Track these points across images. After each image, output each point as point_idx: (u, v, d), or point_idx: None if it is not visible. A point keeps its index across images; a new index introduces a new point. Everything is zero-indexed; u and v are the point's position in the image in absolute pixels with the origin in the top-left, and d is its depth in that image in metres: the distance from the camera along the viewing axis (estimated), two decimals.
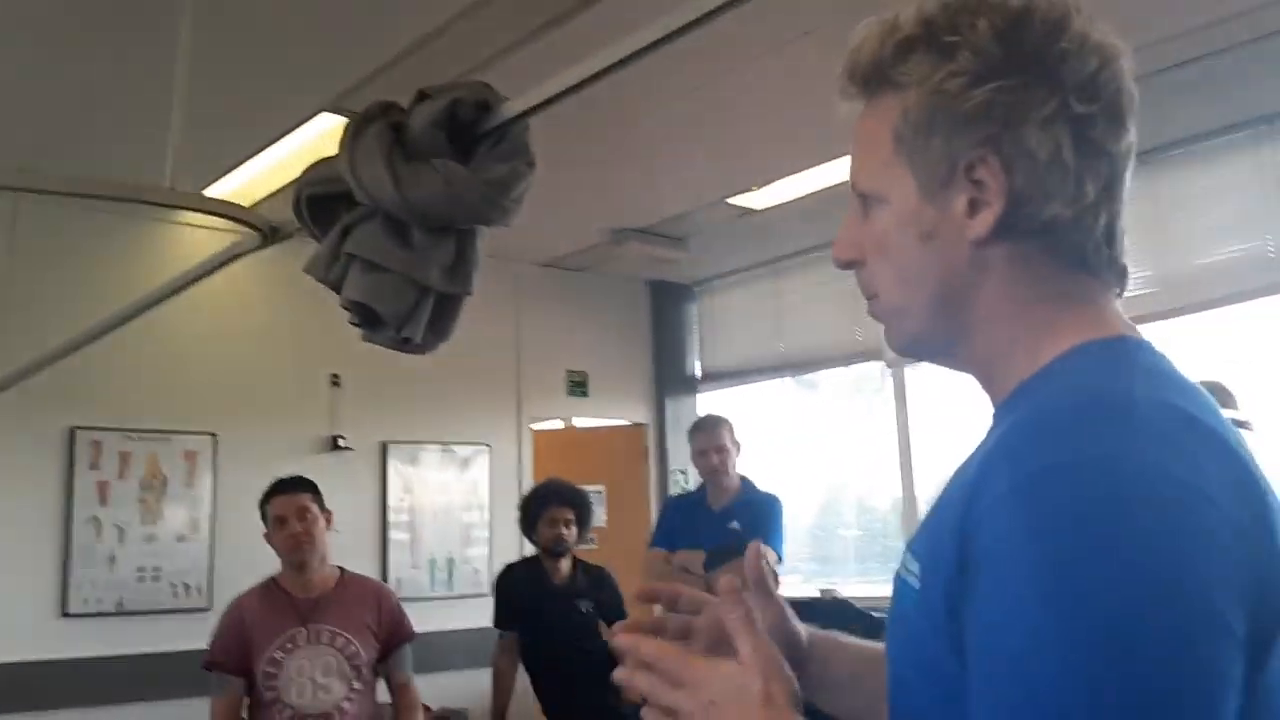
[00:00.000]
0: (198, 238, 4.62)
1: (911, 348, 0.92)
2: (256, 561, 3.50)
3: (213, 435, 4.72)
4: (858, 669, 1.05)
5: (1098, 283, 0.84)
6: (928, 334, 0.89)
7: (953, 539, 0.73)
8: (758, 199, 4.92)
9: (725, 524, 4.07)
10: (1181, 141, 4.16)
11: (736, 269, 6.14)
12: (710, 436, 4.10)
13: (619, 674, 0.87)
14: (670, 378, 6.36)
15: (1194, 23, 3.42)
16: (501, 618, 4.28)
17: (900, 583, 0.84)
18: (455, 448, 5.53)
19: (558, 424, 6.44)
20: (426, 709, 3.45)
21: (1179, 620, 0.63)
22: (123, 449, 4.50)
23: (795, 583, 5.56)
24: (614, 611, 4.36)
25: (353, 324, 1.78)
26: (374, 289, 1.69)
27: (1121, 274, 0.86)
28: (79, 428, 4.41)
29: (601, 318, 6.22)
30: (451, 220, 1.69)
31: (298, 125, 3.80)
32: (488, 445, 5.65)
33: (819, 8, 3.14)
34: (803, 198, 4.82)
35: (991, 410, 0.88)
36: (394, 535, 5.24)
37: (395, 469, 5.30)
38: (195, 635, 3.56)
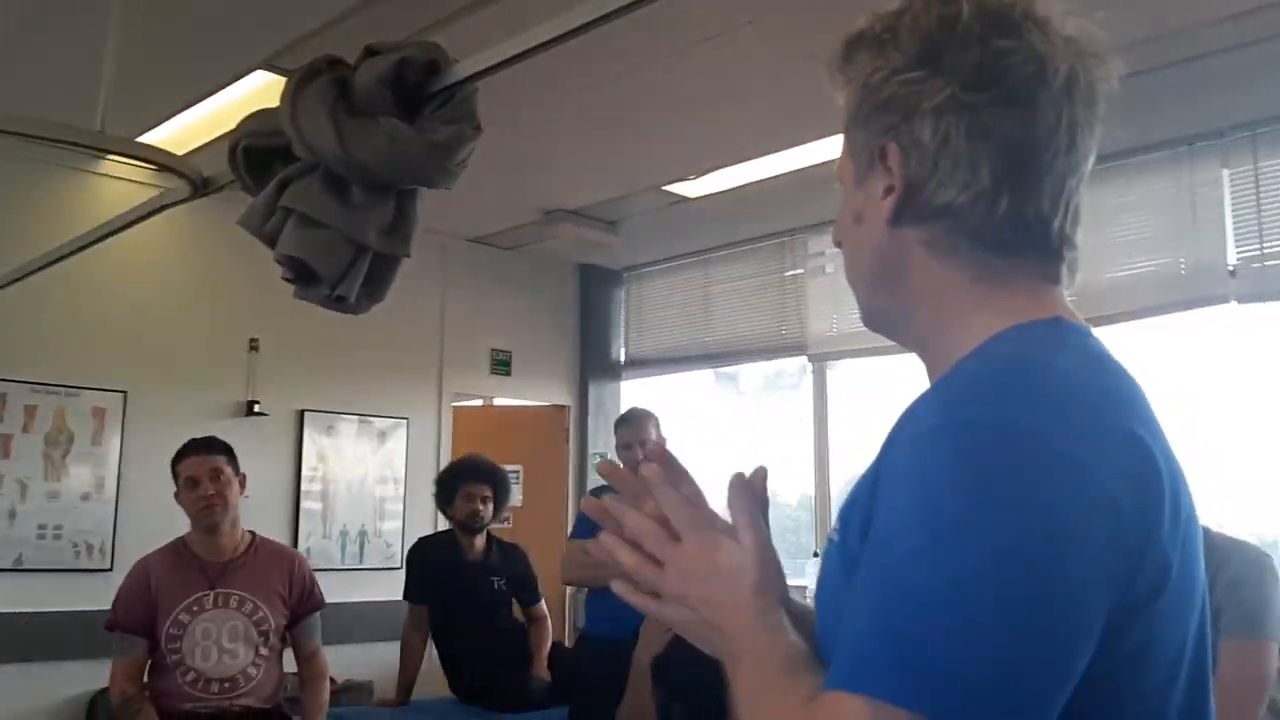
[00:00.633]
0: (121, 190, 4.48)
1: (867, 321, 0.96)
2: (162, 525, 3.43)
3: (123, 393, 4.60)
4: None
5: (1029, 264, 0.87)
6: (873, 310, 0.95)
7: (866, 487, 0.79)
8: (692, 188, 4.95)
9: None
10: (1103, 157, 4.29)
11: (666, 257, 6.17)
12: (635, 431, 4.12)
13: (597, 543, 0.90)
14: (594, 362, 6.37)
15: (1121, 41, 3.53)
16: (412, 590, 4.26)
17: (826, 545, 0.88)
18: (373, 420, 5.47)
19: (478, 402, 6.42)
20: (331, 680, 3.42)
21: (1021, 577, 0.68)
22: (29, 402, 4.35)
23: None
24: (527, 588, 4.37)
25: (285, 279, 1.76)
26: (310, 245, 1.68)
27: (1056, 256, 0.88)
28: None
29: (528, 298, 6.20)
30: (394, 179, 1.69)
31: (232, 80, 3.72)
32: (406, 419, 5.60)
33: None
34: (737, 188, 4.86)
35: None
36: (306, 505, 5.16)
37: (311, 438, 5.22)
38: (96, 596, 3.49)
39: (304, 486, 5.17)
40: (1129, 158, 4.19)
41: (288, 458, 5.14)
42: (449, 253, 5.73)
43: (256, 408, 4.97)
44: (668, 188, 4.95)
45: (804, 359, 5.53)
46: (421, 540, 4.58)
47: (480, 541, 4.29)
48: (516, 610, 4.36)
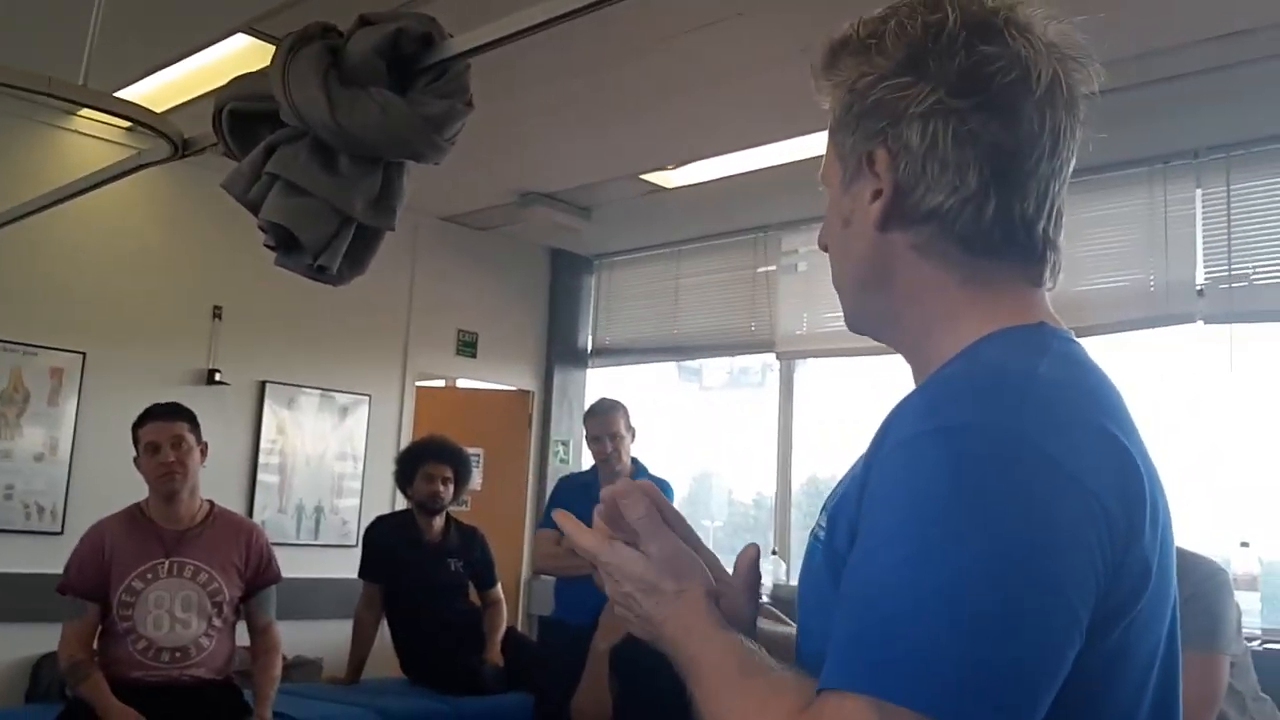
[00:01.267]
0: (93, 147, 4.40)
1: (853, 324, 0.97)
2: (116, 490, 3.38)
3: (83, 355, 4.52)
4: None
5: (1014, 267, 0.89)
6: (859, 313, 0.96)
7: (855, 488, 0.80)
8: (669, 178, 4.94)
9: None
10: (1077, 172, 4.34)
11: (638, 246, 6.16)
12: (605, 423, 4.11)
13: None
14: (561, 348, 6.35)
15: (1101, 58, 3.57)
16: (368, 568, 4.23)
17: (811, 541, 0.89)
18: (336, 395, 5.42)
19: (441, 382, 6.37)
20: (282, 656, 3.38)
21: (1015, 578, 0.70)
22: None
23: None
24: (484, 572, 4.35)
25: (268, 246, 1.74)
26: (295, 212, 1.65)
27: (1040, 258, 0.89)
28: None
29: (498, 280, 6.17)
30: (383, 151, 1.66)
31: (213, 42, 3.65)
32: (369, 395, 5.55)
33: None
34: (714, 181, 4.86)
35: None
36: (263, 477, 5.11)
37: (271, 410, 5.16)
38: (45, 559, 3.43)
39: (262, 459, 5.11)
40: (1105, 172, 4.24)
41: (247, 429, 5.08)
42: (421, 230, 5.68)
43: (218, 376, 4.91)
44: (645, 177, 4.94)
45: (770, 356, 5.55)
46: (379, 519, 4.54)
47: (439, 523, 4.27)
48: (473, 594, 4.34)
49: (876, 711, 0.68)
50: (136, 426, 3.20)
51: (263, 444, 5.11)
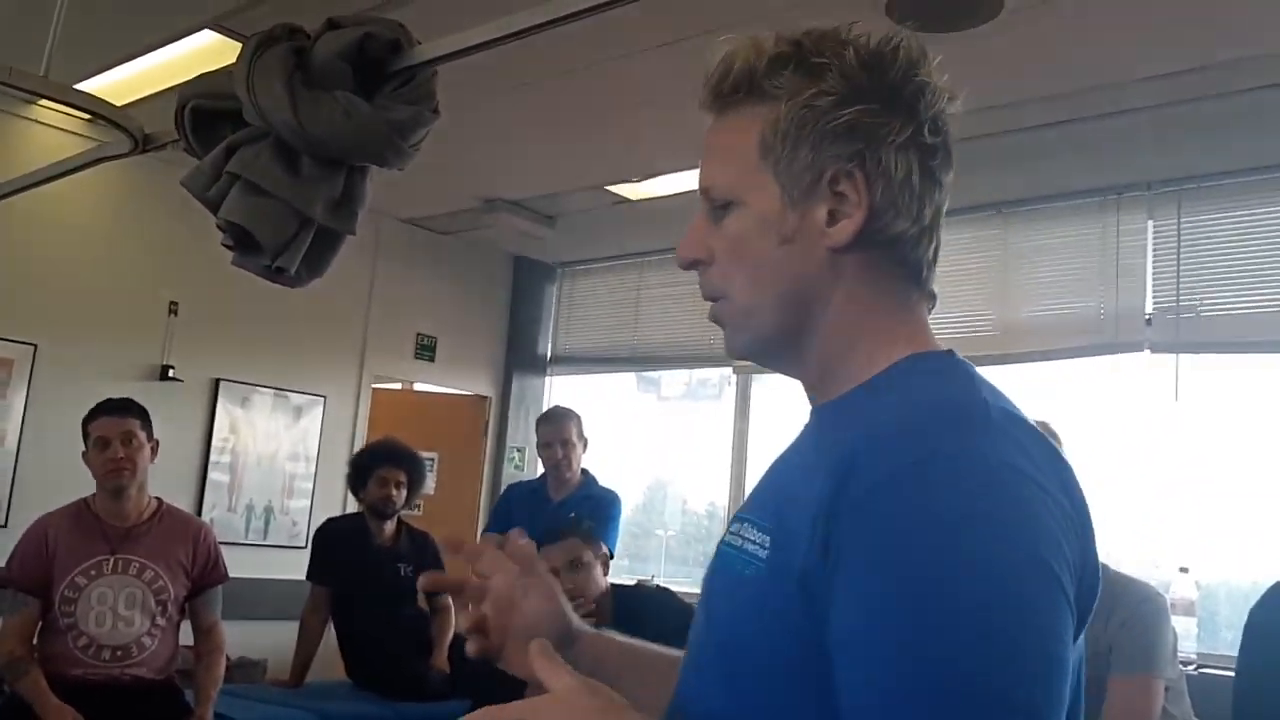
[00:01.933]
0: (54, 139, 4.34)
1: (752, 347, 0.97)
2: (64, 484, 3.33)
3: (33, 346, 4.45)
4: (629, 673, 1.08)
5: (923, 299, 0.95)
6: (773, 333, 0.94)
7: (817, 521, 0.78)
8: (635, 190, 4.97)
9: (564, 515, 4.10)
10: (1034, 199, 4.43)
11: (602, 256, 6.18)
12: (557, 430, 4.11)
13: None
14: (520, 355, 6.35)
15: (1054, 90, 3.65)
16: (316, 570, 4.20)
17: (732, 552, 0.88)
18: (290, 394, 5.38)
19: (398, 385, 6.35)
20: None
21: (1043, 585, 0.74)
22: None
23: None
24: None
25: (225, 245, 1.73)
26: (255, 213, 1.65)
27: (933, 296, 0.96)
28: None
29: (459, 284, 6.15)
30: (346, 155, 1.67)
31: (179, 37, 3.63)
32: (324, 396, 5.52)
33: (723, 7, 3.20)
34: (678, 194, 4.89)
35: (815, 406, 0.96)
36: (214, 476, 5.05)
37: (224, 408, 5.11)
38: None
39: (213, 457, 5.06)
40: (1060, 200, 4.32)
41: (199, 426, 5.03)
42: (383, 232, 5.66)
43: (171, 372, 4.86)
44: (611, 187, 4.96)
45: (728, 370, 5.58)
46: (330, 520, 4.51)
47: (390, 527, 4.25)
48: (421, 600, 4.32)
49: None
50: (87, 421, 3.16)
51: (215, 442, 5.06)
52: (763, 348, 0.96)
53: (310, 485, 5.40)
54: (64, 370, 4.48)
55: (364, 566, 4.14)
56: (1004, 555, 0.72)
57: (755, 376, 5.58)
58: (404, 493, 4.22)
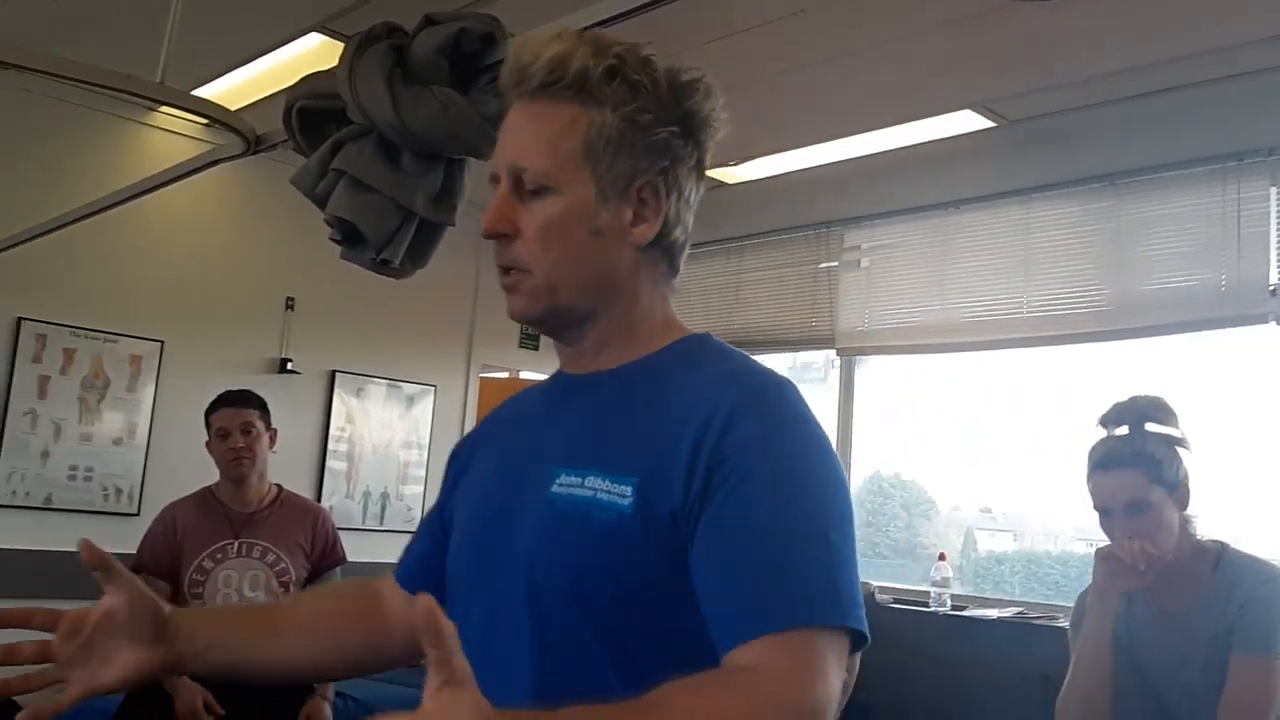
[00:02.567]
0: (170, 143, 4.55)
1: (546, 316, 1.09)
2: (190, 473, 3.50)
3: (160, 343, 4.68)
4: (245, 632, 1.22)
5: (674, 290, 1.15)
6: (572, 308, 1.08)
7: (696, 468, 0.95)
8: (731, 174, 4.96)
9: None
10: (1146, 169, 4.27)
11: (701, 241, 6.13)
12: None
13: None
14: None
15: (1167, 55, 3.52)
16: None
17: (583, 502, 0.99)
18: (402, 384, 5.53)
19: (505, 374, 6.46)
20: None
21: (847, 503, 0.99)
22: (68, 346, 4.43)
23: None
24: None
25: (333, 240, 1.80)
26: (359, 207, 1.71)
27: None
28: (26, 319, 4.34)
29: None
30: (444, 148, 1.72)
31: (288, 40, 3.76)
32: (434, 386, 5.66)
33: None
34: (776, 177, 4.87)
35: (610, 370, 1.10)
36: (332, 464, 5.24)
37: (340, 398, 5.29)
38: (122, 539, 3.55)
39: (331, 445, 5.24)
40: (1176, 170, 4.16)
41: (316, 416, 5.21)
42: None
43: (289, 365, 5.04)
44: (708, 172, 4.94)
45: (831, 353, 5.53)
46: None
47: None
48: None
49: (835, 638, 0.90)
50: (208, 413, 3.31)
51: (332, 431, 5.24)
52: (555, 318, 1.09)
53: (423, 472, 5.55)
54: (188, 365, 4.69)
55: None
56: (829, 477, 0.97)
57: (859, 359, 5.52)
58: None
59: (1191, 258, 4.19)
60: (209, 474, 3.33)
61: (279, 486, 3.38)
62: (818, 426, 1.01)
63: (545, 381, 1.21)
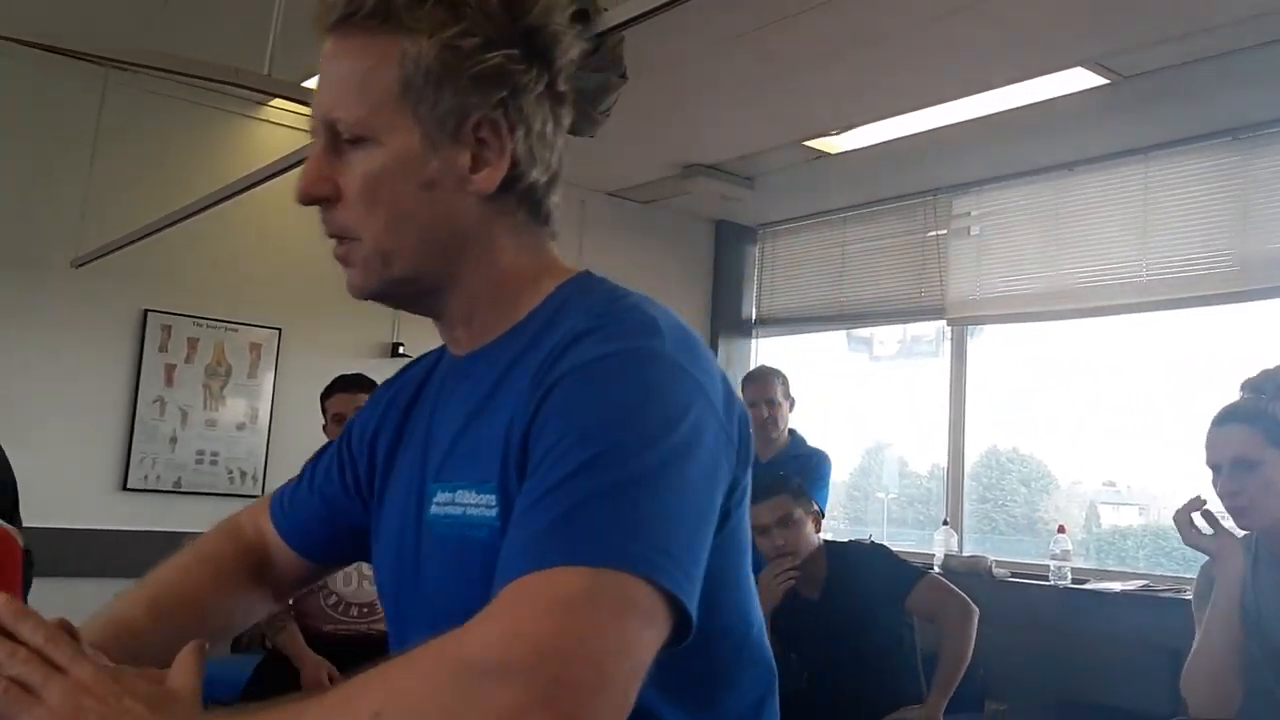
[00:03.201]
0: (278, 136, 4.69)
1: (387, 289, 0.94)
2: (309, 455, 3.59)
3: (278, 330, 4.84)
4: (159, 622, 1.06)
5: (552, 237, 0.99)
6: (415, 276, 0.92)
7: (517, 435, 0.83)
8: (833, 143, 4.88)
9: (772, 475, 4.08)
10: (1275, 121, 4.06)
11: (802, 214, 6.10)
12: (762, 389, 4.09)
13: None
14: (726, 319, 6.37)
15: None
16: None
17: (456, 523, 0.88)
18: None
19: None
20: None
21: (693, 465, 0.78)
22: (191, 335, 4.62)
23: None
24: None
25: None
26: None
27: (555, 234, 1.00)
28: (152, 310, 4.54)
29: (663, 252, 6.23)
30: None
31: None
32: None
33: None
34: (879, 145, 4.77)
35: (464, 356, 0.97)
36: None
37: None
38: None
39: None
40: None
41: None
42: (587, 205, 5.79)
43: (400, 349, 5.16)
44: (808, 143, 4.89)
45: (942, 323, 5.42)
46: None
47: None
48: None
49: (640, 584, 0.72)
50: (324, 398, 3.40)
51: None
52: (400, 290, 0.94)
53: None
54: (306, 351, 4.84)
55: None
56: (663, 433, 0.77)
57: (972, 329, 5.39)
58: None
59: None
60: None
61: None
62: (680, 353, 0.83)
63: (434, 357, 1.06)
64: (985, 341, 5.44)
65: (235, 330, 4.73)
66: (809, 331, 6.19)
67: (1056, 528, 4.57)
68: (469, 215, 0.91)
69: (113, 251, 3.65)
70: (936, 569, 4.53)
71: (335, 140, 0.90)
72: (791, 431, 4.15)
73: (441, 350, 1.06)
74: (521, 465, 0.81)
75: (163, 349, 4.54)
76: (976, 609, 3.02)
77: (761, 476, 3.81)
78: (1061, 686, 4.17)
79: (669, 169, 5.47)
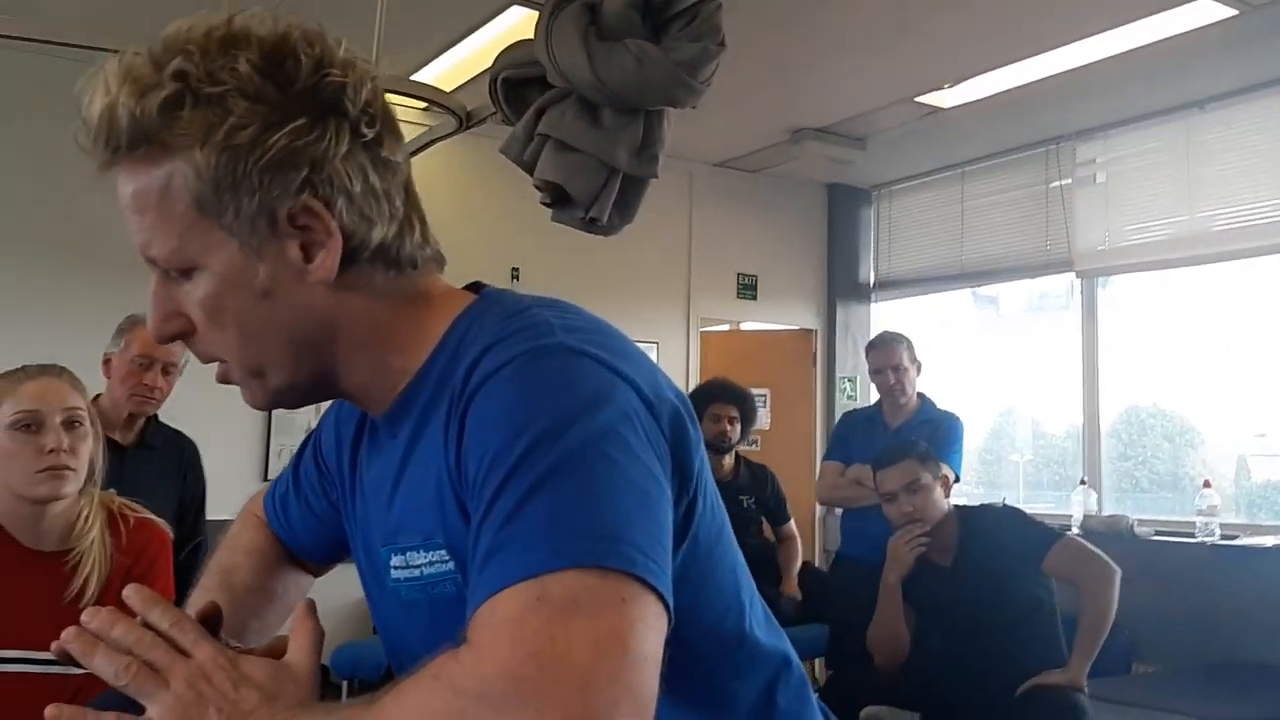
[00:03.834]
0: None
1: (279, 399, 0.91)
2: None
3: None
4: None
5: (431, 268, 0.92)
6: (295, 383, 0.89)
7: (449, 476, 0.82)
8: (946, 97, 4.74)
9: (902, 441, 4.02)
10: None
11: (918, 173, 5.95)
12: (887, 355, 4.01)
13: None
14: (842, 284, 6.27)
15: None
16: None
17: (416, 585, 0.87)
18: None
19: (725, 326, 6.47)
20: None
21: (621, 454, 0.75)
22: None
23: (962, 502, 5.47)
24: (776, 508, 4.43)
25: (543, 204, 1.84)
26: (565, 168, 1.74)
27: (439, 255, 0.94)
28: None
29: (774, 220, 6.16)
30: (641, 101, 1.72)
31: (489, 18, 3.86)
32: (657, 343, 5.73)
33: None
34: (995, 96, 4.61)
35: (377, 417, 0.93)
36: None
37: None
38: None
39: None
40: None
41: None
42: (695, 178, 5.77)
43: None
44: (920, 99, 4.76)
45: (1071, 276, 5.22)
46: None
47: (729, 461, 4.37)
48: (766, 530, 4.42)
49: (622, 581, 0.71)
50: None
51: None
52: (292, 396, 0.90)
53: None
54: None
55: None
56: (581, 424, 0.75)
57: (1102, 281, 5.19)
58: (738, 428, 4.32)
59: None
60: None
61: None
62: (582, 343, 0.81)
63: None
64: (1117, 293, 5.23)
65: None
66: (931, 292, 6.05)
67: (1202, 483, 4.38)
68: (323, 304, 0.86)
69: None
70: (1075, 530, 4.39)
71: (165, 275, 0.86)
72: (921, 396, 4.07)
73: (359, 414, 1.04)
74: (460, 501, 0.81)
75: None
76: (1118, 569, 2.92)
77: (888, 442, 3.78)
78: (1212, 647, 4.01)
79: (777, 135, 5.40)
